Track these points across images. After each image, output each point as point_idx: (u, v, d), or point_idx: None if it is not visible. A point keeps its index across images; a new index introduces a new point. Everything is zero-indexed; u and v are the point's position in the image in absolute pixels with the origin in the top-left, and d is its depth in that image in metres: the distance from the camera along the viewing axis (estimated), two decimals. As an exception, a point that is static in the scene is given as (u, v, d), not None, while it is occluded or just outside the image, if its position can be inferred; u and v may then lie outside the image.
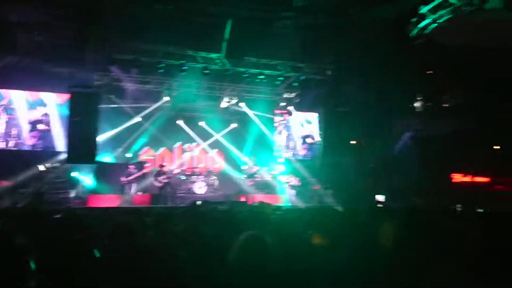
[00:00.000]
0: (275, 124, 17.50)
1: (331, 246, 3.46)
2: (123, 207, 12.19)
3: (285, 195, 15.39)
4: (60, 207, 11.75)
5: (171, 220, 4.60)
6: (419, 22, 11.91)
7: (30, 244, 2.13)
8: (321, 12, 11.54)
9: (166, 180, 14.80)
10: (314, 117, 17.71)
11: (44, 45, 12.72)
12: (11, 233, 2.27)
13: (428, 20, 11.56)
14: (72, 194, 13.62)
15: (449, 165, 15.12)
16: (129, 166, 14.57)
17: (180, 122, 16.54)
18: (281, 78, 14.62)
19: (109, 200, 13.25)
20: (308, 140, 17.78)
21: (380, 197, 14.34)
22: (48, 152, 14.54)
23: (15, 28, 12.21)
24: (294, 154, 17.70)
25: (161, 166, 15.24)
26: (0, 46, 12.58)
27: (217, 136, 17.17)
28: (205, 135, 17.10)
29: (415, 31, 12.34)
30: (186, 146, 17.36)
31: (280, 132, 17.58)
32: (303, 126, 18.00)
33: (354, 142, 16.91)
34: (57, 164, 13.73)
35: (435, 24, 11.54)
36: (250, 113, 16.94)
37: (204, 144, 17.17)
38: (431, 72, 15.05)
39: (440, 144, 14.71)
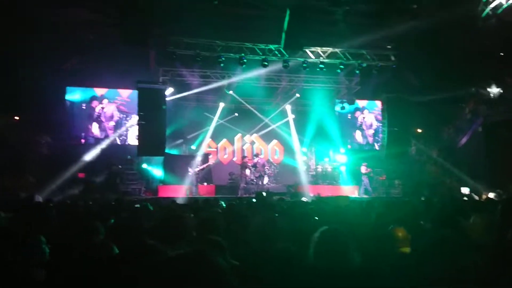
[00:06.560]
0: (336, 114, 17.28)
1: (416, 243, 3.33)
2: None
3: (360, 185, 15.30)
4: (132, 198, 12.46)
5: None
6: (490, 2, 11.25)
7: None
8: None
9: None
10: (376, 105, 17.32)
11: (110, 44, 13.27)
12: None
13: (500, -1, 10.88)
14: (143, 185, 14.36)
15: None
16: (196, 158, 15.07)
17: (240, 114, 16.84)
18: (342, 67, 14.25)
19: (177, 191, 13.78)
20: (369, 131, 17.47)
21: (465, 189, 13.73)
22: (119, 146, 15.47)
23: (80, 28, 12.77)
24: (353, 143, 17.43)
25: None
26: (68, 46, 13.27)
27: (274, 127, 17.29)
28: (264, 126, 17.30)
29: (486, 11, 11.66)
30: (246, 137, 17.66)
31: (341, 122, 17.32)
32: (364, 115, 17.66)
33: (420, 130, 16.30)
34: (129, 157, 14.50)
35: (508, 4, 10.81)
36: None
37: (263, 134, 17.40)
38: (502, 54, 14.12)
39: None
